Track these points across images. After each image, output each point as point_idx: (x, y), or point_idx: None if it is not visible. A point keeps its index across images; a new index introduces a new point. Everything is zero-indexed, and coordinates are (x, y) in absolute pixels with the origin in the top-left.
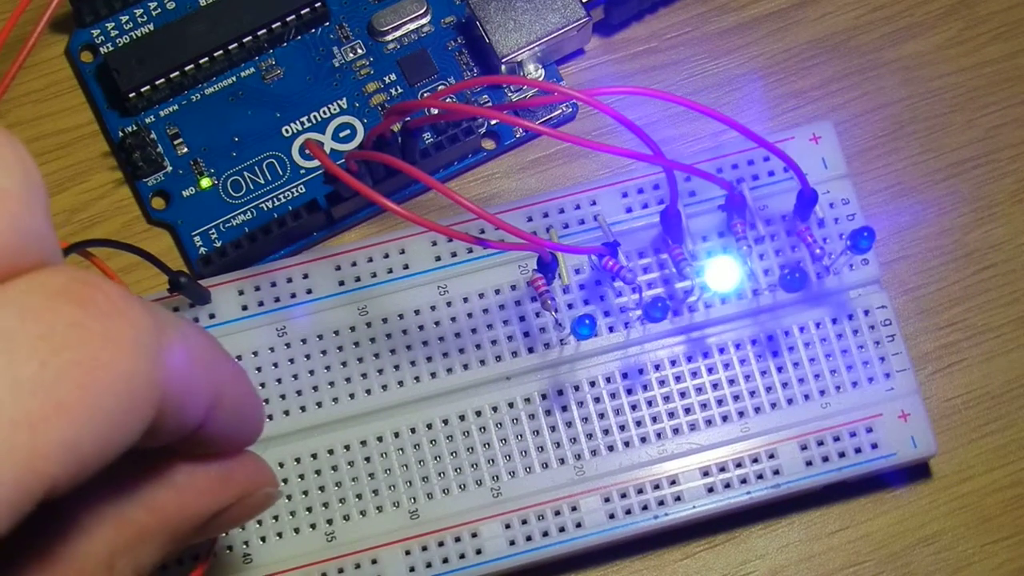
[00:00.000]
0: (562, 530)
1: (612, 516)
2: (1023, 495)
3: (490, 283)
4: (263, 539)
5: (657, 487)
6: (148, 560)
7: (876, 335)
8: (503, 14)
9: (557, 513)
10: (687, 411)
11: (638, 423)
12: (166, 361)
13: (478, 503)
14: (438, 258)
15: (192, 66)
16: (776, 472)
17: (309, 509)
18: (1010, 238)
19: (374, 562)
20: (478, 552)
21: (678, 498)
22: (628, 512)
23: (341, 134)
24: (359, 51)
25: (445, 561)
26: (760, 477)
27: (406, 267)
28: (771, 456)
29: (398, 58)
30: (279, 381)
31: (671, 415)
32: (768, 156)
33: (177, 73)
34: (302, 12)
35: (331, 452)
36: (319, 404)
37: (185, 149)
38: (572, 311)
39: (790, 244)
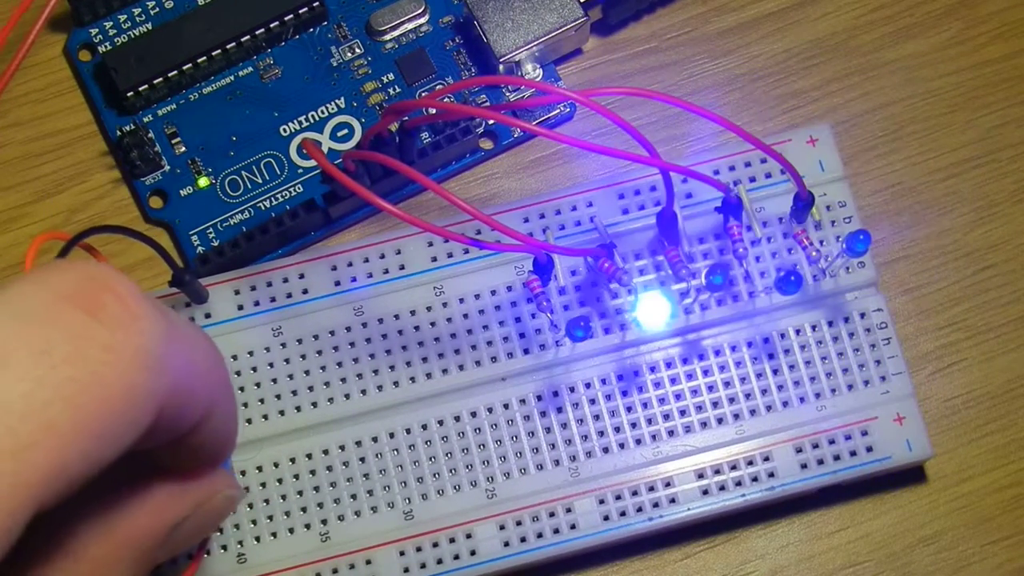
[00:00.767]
0: (556, 531)
1: (607, 518)
2: (1023, 495)
3: (486, 284)
4: (257, 539)
5: (652, 489)
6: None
7: (872, 338)
8: (501, 14)
9: (551, 514)
10: (682, 413)
11: (633, 425)
12: (170, 370)
13: (473, 504)
14: (434, 259)
15: (190, 65)
16: (771, 475)
17: (304, 509)
18: (1010, 238)
19: (368, 563)
20: (472, 553)
21: (673, 500)
22: (623, 514)
23: (339, 133)
24: (357, 50)
25: (439, 562)
26: (755, 479)
27: (402, 267)
28: (766, 458)
29: (396, 58)
30: (274, 381)
31: (666, 417)
32: (765, 158)
33: (175, 72)
34: (300, 11)
35: (326, 452)
36: (314, 404)
37: (183, 148)
38: (568, 312)
39: (786, 247)
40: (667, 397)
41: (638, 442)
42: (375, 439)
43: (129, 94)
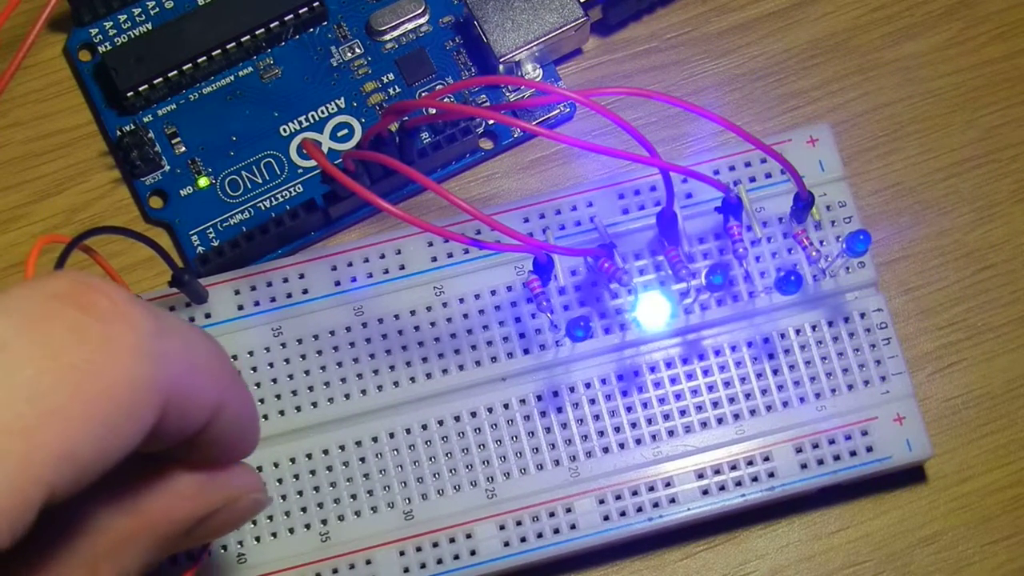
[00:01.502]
0: (556, 531)
1: (607, 518)
2: (1023, 495)
3: (486, 284)
4: (257, 539)
5: (652, 489)
6: (132, 565)
7: (872, 338)
8: (501, 14)
9: (551, 514)
10: (682, 413)
11: (633, 425)
12: (168, 365)
13: (473, 504)
14: (434, 259)
15: (190, 65)
16: (771, 475)
17: (304, 509)
18: (1010, 238)
19: (368, 563)
20: (472, 553)
21: (673, 500)
22: (623, 514)
23: (339, 133)
24: (357, 50)
25: (439, 562)
26: (755, 479)
27: (402, 268)
28: (766, 458)
29: (396, 58)
30: (275, 381)
31: (666, 417)
32: (765, 158)
33: (175, 72)
34: (300, 11)
35: (326, 452)
36: (314, 404)
37: (183, 148)
38: (568, 312)
39: (786, 247)
40: (667, 397)
41: (638, 442)
42: (375, 439)
43: (129, 94)
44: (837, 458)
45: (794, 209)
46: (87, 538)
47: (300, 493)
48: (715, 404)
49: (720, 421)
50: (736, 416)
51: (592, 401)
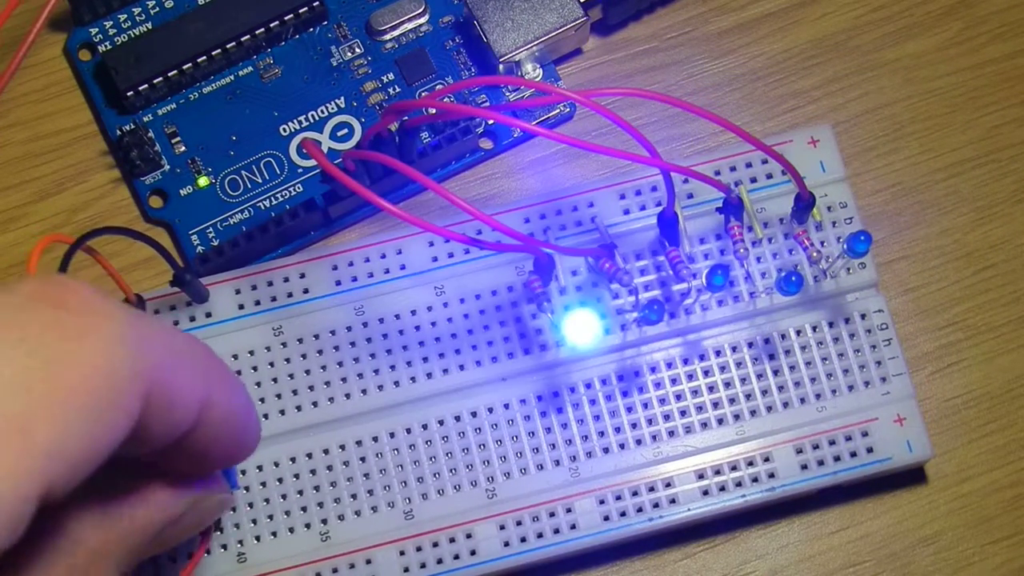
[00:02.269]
0: (556, 531)
1: (607, 518)
2: (1023, 495)
3: (487, 284)
4: (257, 538)
5: (652, 489)
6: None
7: (872, 339)
8: (501, 13)
9: (552, 514)
10: (683, 414)
11: (633, 425)
12: (148, 353)
13: (473, 504)
14: (435, 259)
15: (190, 65)
16: (771, 475)
17: (304, 509)
18: (1010, 238)
19: (368, 562)
20: (472, 553)
21: (673, 500)
22: (623, 514)
23: (339, 133)
24: (357, 50)
25: (439, 562)
26: (755, 480)
27: (403, 267)
28: (766, 459)
29: (396, 57)
30: (275, 380)
31: (666, 417)
32: (766, 159)
33: (175, 72)
34: (300, 11)
35: (326, 452)
36: (315, 404)
37: (183, 148)
38: (569, 312)
39: (787, 247)
40: (667, 397)
41: (638, 442)
42: (375, 439)
43: (129, 93)
44: (837, 459)
45: (795, 210)
46: (65, 552)
47: (300, 492)
48: (715, 404)
49: (720, 422)
50: (736, 417)
51: (592, 401)
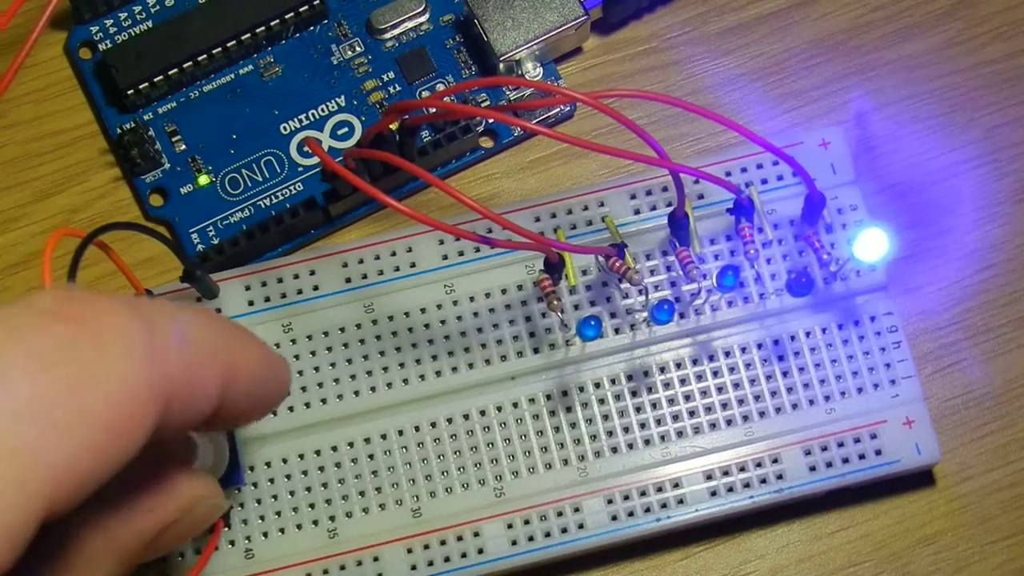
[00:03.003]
0: (564, 531)
1: (615, 518)
2: (1023, 495)
3: (496, 283)
4: (265, 535)
5: (660, 490)
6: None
7: (882, 341)
8: (501, 12)
9: (559, 514)
10: (691, 414)
11: (642, 425)
12: (163, 363)
13: (481, 502)
14: (445, 257)
15: (190, 63)
16: (779, 477)
17: (312, 505)
18: (1010, 238)
19: (376, 559)
20: (480, 551)
21: (681, 501)
22: (631, 514)
23: (339, 132)
24: (357, 49)
25: (447, 560)
26: (763, 481)
27: (413, 265)
28: (775, 461)
29: (396, 56)
30: None
31: (675, 418)
32: (777, 160)
33: (175, 70)
34: (300, 10)
35: (335, 449)
36: (323, 401)
37: (183, 146)
38: (578, 312)
39: (797, 249)
40: (676, 398)
41: (647, 442)
42: (384, 436)
43: (129, 92)
44: (846, 461)
45: (805, 211)
46: (62, 562)
47: (308, 489)
48: (724, 405)
49: (729, 422)
50: (745, 418)
51: (601, 401)
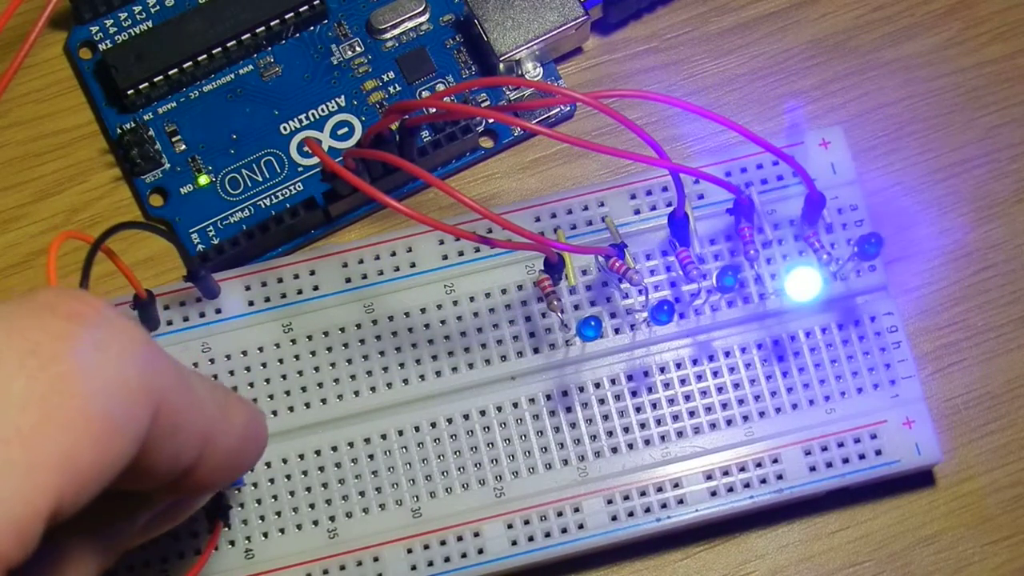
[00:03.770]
0: (564, 531)
1: (614, 518)
2: (1023, 495)
3: (496, 283)
4: (265, 535)
5: (660, 490)
6: (87, 573)
7: (882, 341)
8: (501, 12)
9: (559, 514)
10: (691, 414)
11: (642, 425)
12: (158, 370)
13: (481, 502)
14: (445, 257)
15: (190, 63)
16: (779, 477)
17: (312, 506)
18: (1010, 238)
19: (376, 560)
20: (480, 552)
21: (681, 501)
22: (631, 514)
23: (339, 132)
24: (357, 49)
25: (447, 560)
26: (763, 482)
27: (413, 265)
28: (775, 461)
29: (396, 56)
30: (284, 377)
31: (675, 418)
32: (777, 161)
33: (175, 70)
34: (300, 10)
35: (335, 449)
36: (323, 401)
37: (183, 146)
38: (578, 312)
39: (797, 249)
40: (676, 398)
41: (647, 443)
42: (384, 436)
43: (129, 92)
44: (846, 461)
45: (805, 211)
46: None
47: (308, 490)
48: (724, 405)
49: (729, 423)
50: (745, 418)
51: (601, 401)
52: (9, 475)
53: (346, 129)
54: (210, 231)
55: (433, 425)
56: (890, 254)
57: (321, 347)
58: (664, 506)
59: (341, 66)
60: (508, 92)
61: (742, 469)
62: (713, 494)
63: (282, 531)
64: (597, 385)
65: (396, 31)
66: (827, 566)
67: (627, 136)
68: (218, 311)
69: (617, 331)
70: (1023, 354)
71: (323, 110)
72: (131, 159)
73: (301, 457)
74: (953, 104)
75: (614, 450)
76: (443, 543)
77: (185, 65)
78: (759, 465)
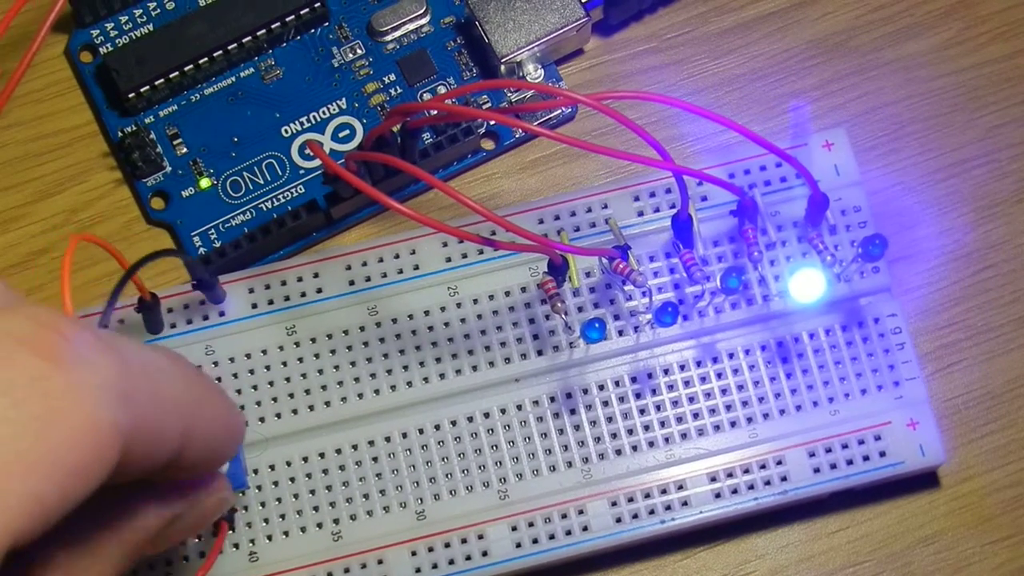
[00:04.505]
0: (569, 533)
1: (619, 520)
2: (1023, 495)
3: (500, 285)
4: (269, 538)
5: (664, 492)
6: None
7: (886, 343)
8: (502, 14)
9: (564, 516)
10: (695, 416)
11: (646, 427)
12: (132, 406)
13: (485, 505)
14: (448, 259)
15: (191, 66)
16: (784, 479)
17: (316, 508)
18: (1010, 238)
19: (380, 562)
20: (484, 554)
21: (685, 503)
22: (635, 516)
23: (340, 134)
24: (358, 51)
25: (451, 563)
26: (768, 483)
27: (416, 268)
28: (779, 462)
29: (397, 58)
30: (288, 380)
31: (679, 420)
32: (781, 162)
33: (176, 73)
34: (301, 12)
35: (339, 451)
36: (327, 403)
37: (184, 149)
38: (582, 314)
39: (801, 251)
40: (680, 400)
41: (651, 445)
42: (388, 439)
43: (130, 95)
44: (850, 463)
45: (809, 212)
46: (68, 555)
47: (312, 492)
48: (728, 407)
49: (733, 424)
50: (749, 420)
51: (605, 403)
52: None
53: (347, 131)
54: (212, 234)
55: (437, 427)
56: (890, 254)
57: (325, 350)
58: (668, 508)
59: (342, 68)
60: (509, 94)
61: (746, 471)
62: (717, 496)
63: (286, 534)
64: (601, 387)
65: (397, 33)
66: (827, 566)
67: (628, 136)
68: (222, 314)
69: (621, 333)
70: (1023, 354)
71: (324, 112)
72: (132, 162)
73: (305, 460)
74: (953, 104)
75: (618, 452)
76: (447, 545)
77: (186, 68)
78: (763, 467)
